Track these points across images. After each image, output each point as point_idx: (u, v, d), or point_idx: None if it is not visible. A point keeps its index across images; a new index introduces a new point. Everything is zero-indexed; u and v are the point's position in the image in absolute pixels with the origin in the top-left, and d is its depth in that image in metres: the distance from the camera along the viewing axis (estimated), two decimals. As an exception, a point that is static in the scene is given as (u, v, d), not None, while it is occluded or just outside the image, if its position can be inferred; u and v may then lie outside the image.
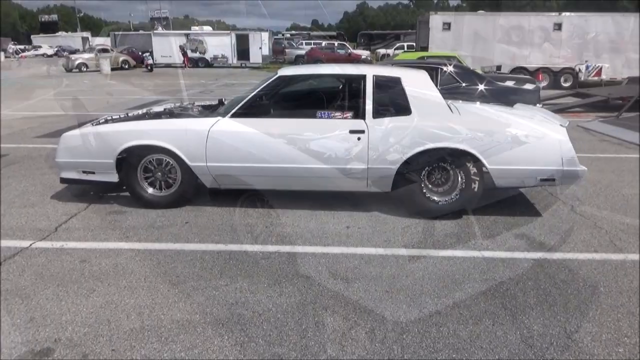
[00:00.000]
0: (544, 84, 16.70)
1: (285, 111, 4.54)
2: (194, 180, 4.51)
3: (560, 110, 10.95)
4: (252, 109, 4.45)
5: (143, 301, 3.00)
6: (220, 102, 5.19)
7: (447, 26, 18.50)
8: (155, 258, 3.58)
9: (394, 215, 4.46)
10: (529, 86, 8.68)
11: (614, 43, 17.91)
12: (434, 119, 4.20)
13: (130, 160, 4.46)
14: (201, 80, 21.23)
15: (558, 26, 18.14)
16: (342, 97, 4.75)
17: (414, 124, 4.19)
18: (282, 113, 4.50)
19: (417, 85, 4.32)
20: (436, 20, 18.59)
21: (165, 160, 4.47)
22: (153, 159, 4.48)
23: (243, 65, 31.89)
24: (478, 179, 4.24)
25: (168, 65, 30.98)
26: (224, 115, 4.43)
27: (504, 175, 4.20)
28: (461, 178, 4.27)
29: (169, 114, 4.86)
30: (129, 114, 5.16)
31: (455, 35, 18.45)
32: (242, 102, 4.42)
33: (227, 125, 4.34)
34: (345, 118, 4.32)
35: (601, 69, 17.34)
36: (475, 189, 4.27)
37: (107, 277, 3.30)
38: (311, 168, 4.28)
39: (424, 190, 4.33)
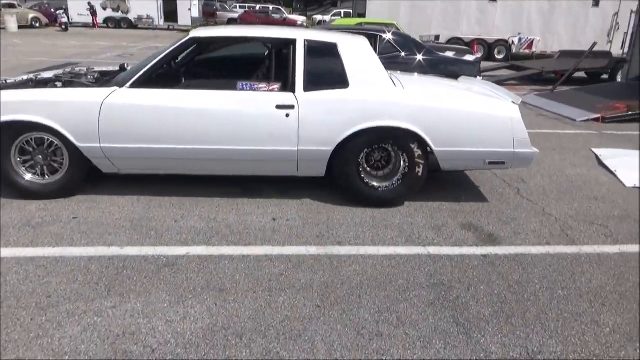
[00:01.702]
0: (479, 55, 16.67)
1: (199, 81, 3.77)
2: (86, 165, 3.68)
3: (496, 83, 10.80)
4: (157, 77, 3.65)
5: (-5, 336, 2.24)
6: (122, 68, 4.30)
7: (384, -7, 17.91)
8: (23, 271, 2.79)
9: (328, 204, 3.89)
10: (469, 57, 8.34)
11: (545, 16, 18.15)
12: (374, 93, 3.62)
13: (1, 139, 3.54)
14: (122, 43, 19.39)
15: (493, -3, 18.09)
16: (268, 66, 4.01)
17: (352, 98, 3.59)
18: (195, 83, 3.73)
19: (357, 53, 3.69)
20: (374, -14, 17.93)
21: (49, 139, 3.59)
22: (31, 138, 3.59)
23: (171, 27, 29.70)
24: (422, 162, 3.74)
25: (86, 25, 28.26)
26: (122, 84, 3.59)
27: (451, 157, 3.72)
28: (404, 161, 3.75)
29: (56, 81, 3.93)
30: (7, 81, 4.17)
31: (393, 4, 17.94)
32: (145, 69, 3.59)
33: (125, 97, 3.52)
34: (272, 90, 3.64)
35: (532, 41, 17.57)
36: (420, 173, 3.77)
37: (-48, 300, 2.50)
38: (230, 150, 3.58)
39: (363, 175, 3.78)
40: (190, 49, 4.03)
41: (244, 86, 3.62)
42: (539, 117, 7.89)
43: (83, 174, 3.73)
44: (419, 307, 2.60)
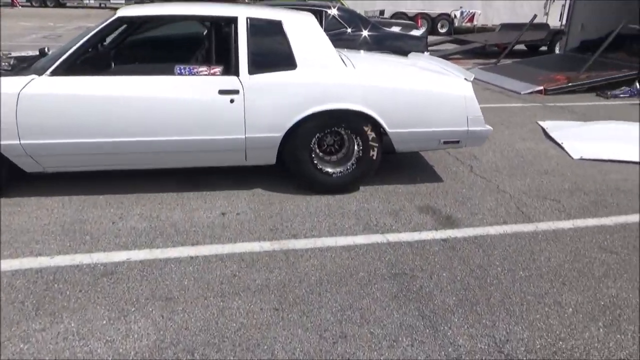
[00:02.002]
0: (423, 29, 16.71)
1: (131, 66, 3.41)
2: (5, 164, 3.27)
3: (442, 57, 10.83)
4: (82, 63, 3.26)
5: None
6: (42, 53, 3.84)
7: (326, -34, 17.49)
8: None
9: (280, 193, 3.68)
10: (415, 32, 8.25)
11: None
12: (324, 74, 3.40)
13: None
14: (49, 23, 17.98)
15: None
16: (208, 47, 3.69)
17: (301, 80, 3.37)
18: (126, 68, 3.37)
19: (304, 31, 3.45)
20: (315, -41, 17.45)
21: (-43, 137, 3.15)
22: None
23: (102, 4, 27.86)
24: (377, 144, 3.59)
25: (5, 4, 26.03)
26: (41, 72, 3.18)
27: (405, 139, 3.59)
28: (357, 144, 3.59)
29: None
30: None
31: (336, -23, 17.56)
32: (67, 54, 3.20)
33: (45, 87, 3.13)
34: (213, 74, 3.34)
35: (474, 15, 17.81)
36: (374, 157, 3.63)
37: None
38: (169, 141, 3.28)
39: (315, 161, 3.59)
40: (120, 30, 3.65)
41: (182, 70, 3.30)
42: (485, 91, 7.95)
43: (3, 175, 3.31)
44: (382, 302, 2.47)
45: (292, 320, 2.31)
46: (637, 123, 5.61)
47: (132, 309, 2.35)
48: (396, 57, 4.88)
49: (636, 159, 4.51)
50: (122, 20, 3.32)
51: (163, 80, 3.25)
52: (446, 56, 10.88)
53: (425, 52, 7.50)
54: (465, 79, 3.66)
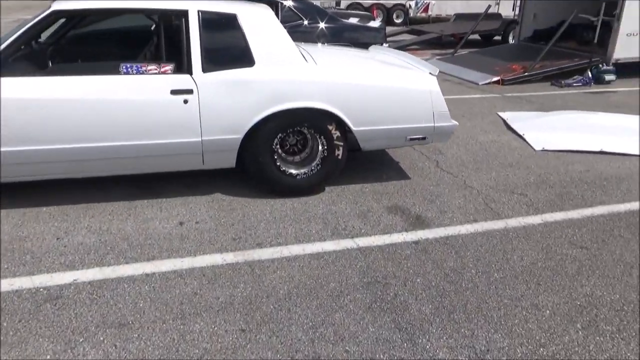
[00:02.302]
0: (378, 20, 16.69)
1: (71, 65, 3.10)
2: None
3: (400, 48, 10.80)
4: (15, 62, 2.93)
5: None
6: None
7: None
8: None
9: (242, 197, 3.47)
10: (374, 23, 8.13)
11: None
12: (284, 71, 3.20)
13: None
14: (-17, 15, 16.78)
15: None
16: (157, 43, 3.41)
17: (260, 78, 3.16)
18: (65, 68, 3.05)
19: (261, 25, 3.23)
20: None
21: None
22: None
23: (44, -4, 26.41)
24: (342, 143, 3.44)
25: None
26: (-35, 73, 2.83)
27: (371, 137, 3.45)
28: (322, 144, 3.42)
29: None
30: None
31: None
32: (-4, 52, 2.86)
33: (-29, 90, 2.78)
34: (164, 73, 3.08)
35: (428, 5, 17.90)
36: (340, 156, 3.47)
37: None
38: (118, 147, 3.01)
39: (278, 163, 3.39)
40: (58, 25, 3.31)
41: (129, 69, 3.02)
42: (444, 82, 7.93)
43: None
44: (356, 315, 2.32)
45: (261, 342, 2.13)
46: (595, 112, 5.71)
47: (81, 339, 2.10)
48: (357, 50, 4.72)
49: (596, 149, 4.56)
50: (57, 13, 2.99)
51: (107, 80, 2.97)
52: (404, 47, 10.87)
53: (385, 44, 7.40)
54: (430, 73, 3.55)
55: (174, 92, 3.03)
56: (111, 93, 2.93)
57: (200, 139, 3.13)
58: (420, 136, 3.56)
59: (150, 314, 2.28)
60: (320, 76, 3.25)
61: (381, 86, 3.38)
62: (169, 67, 3.09)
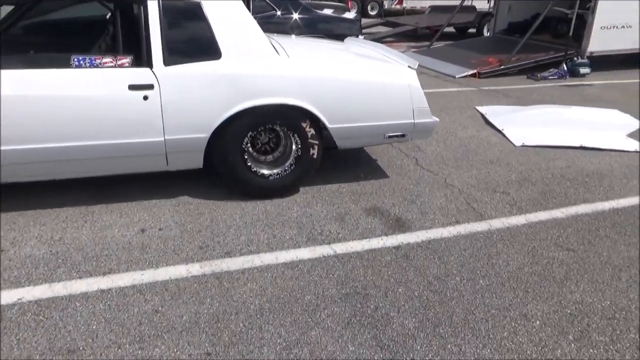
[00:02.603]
0: (353, 11, 16.48)
1: (15, 57, 2.77)
2: None
3: (376, 40, 10.62)
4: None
5: None
6: None
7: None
8: None
9: (211, 200, 3.23)
10: (348, 15, 7.93)
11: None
12: (254, 64, 2.97)
13: None
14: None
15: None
16: (113, 33, 3.10)
17: (227, 71, 2.91)
18: (8, 60, 2.73)
19: (228, 15, 2.97)
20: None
21: None
22: None
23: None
24: (317, 142, 3.23)
25: None
26: None
27: (348, 134, 3.25)
28: (296, 143, 3.20)
29: None
30: None
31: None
32: None
33: None
34: (121, 66, 2.81)
35: (403, -3, 17.76)
36: (315, 155, 3.26)
37: None
38: (71, 147, 2.73)
39: (249, 163, 3.16)
40: (5, 15, 2.99)
41: (81, 61, 2.74)
42: (421, 75, 7.74)
43: None
44: (334, 332, 2.13)
45: (229, 367, 1.92)
46: (573, 107, 5.65)
47: (22, 372, 1.85)
48: (332, 42, 4.51)
49: (576, 144, 4.47)
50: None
51: (56, 74, 2.68)
52: (379, 39, 10.68)
53: (360, 36, 7.20)
54: (409, 66, 3.37)
55: (133, 87, 2.76)
56: (60, 88, 2.64)
57: (162, 139, 2.87)
58: (400, 133, 3.38)
59: (104, 337, 2.04)
60: (293, 70, 3.03)
61: (358, 81, 3.17)
62: (126, 60, 2.82)
